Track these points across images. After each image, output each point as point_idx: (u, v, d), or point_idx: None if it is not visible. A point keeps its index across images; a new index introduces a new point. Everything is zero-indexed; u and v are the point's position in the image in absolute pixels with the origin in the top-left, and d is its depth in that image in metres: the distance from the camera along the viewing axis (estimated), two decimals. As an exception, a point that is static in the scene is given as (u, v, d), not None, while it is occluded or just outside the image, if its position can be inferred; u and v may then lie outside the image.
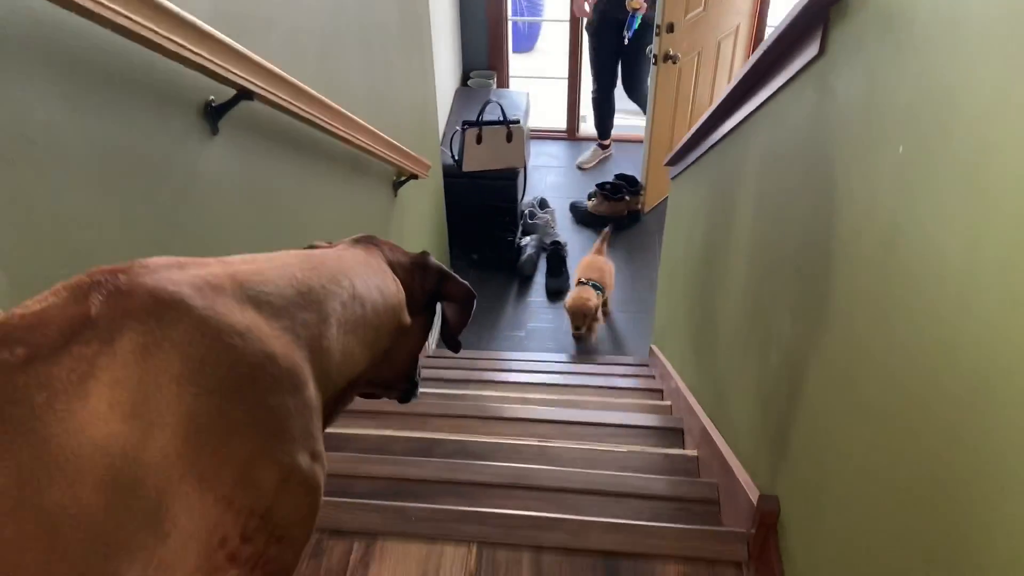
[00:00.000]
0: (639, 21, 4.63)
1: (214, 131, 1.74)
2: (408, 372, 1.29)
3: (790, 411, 1.35)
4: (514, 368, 3.78)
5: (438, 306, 1.35)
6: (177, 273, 0.85)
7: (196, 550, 0.82)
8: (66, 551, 0.74)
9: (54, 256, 1.32)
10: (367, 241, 1.20)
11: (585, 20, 4.95)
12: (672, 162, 3.30)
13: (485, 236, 4.74)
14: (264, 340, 0.87)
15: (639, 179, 5.06)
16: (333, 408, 1.06)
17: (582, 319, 4.03)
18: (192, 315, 0.81)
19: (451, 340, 1.38)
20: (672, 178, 3.45)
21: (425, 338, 1.29)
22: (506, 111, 4.52)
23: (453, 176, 4.48)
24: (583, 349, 4.26)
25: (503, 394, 3.04)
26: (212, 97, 1.70)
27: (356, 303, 1.05)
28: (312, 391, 0.92)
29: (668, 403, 2.81)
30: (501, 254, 4.73)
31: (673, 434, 2.43)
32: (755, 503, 1.43)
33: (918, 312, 0.89)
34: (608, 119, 5.33)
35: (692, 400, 2.37)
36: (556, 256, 4.71)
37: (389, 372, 1.23)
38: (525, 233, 4.92)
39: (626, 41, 4.70)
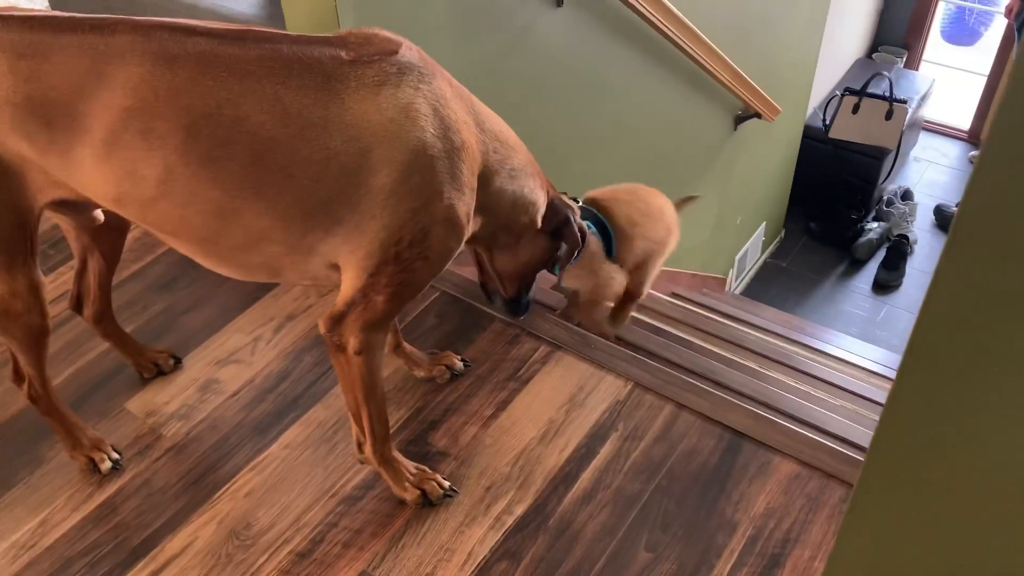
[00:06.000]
0: None
1: (558, 3, 2.09)
2: (521, 280, 1.57)
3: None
4: (804, 330, 3.77)
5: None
6: (446, 72, 1.26)
7: (384, 238, 1.20)
8: (328, 181, 1.17)
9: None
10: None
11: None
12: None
13: (829, 206, 4.66)
14: (472, 136, 1.25)
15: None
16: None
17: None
18: (447, 94, 1.22)
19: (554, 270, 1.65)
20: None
21: (544, 261, 1.55)
22: (899, 91, 4.35)
23: (814, 139, 4.45)
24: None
25: (768, 338, 3.12)
26: (563, -27, 2.04)
27: (521, 172, 1.37)
28: (474, 187, 1.27)
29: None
30: (840, 229, 4.62)
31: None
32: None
33: None
34: None
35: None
36: (898, 250, 4.49)
37: (509, 264, 1.52)
38: (876, 219, 4.73)
39: None
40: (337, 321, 1.28)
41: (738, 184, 3.80)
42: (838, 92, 4.43)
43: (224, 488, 1.55)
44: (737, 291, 4.31)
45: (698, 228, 3.61)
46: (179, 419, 1.67)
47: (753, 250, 4.33)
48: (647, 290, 1.96)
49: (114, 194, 1.19)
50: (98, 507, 1.53)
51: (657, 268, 1.95)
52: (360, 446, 1.46)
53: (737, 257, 4.14)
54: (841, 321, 4.29)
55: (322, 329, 1.31)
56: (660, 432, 1.64)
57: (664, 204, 1.93)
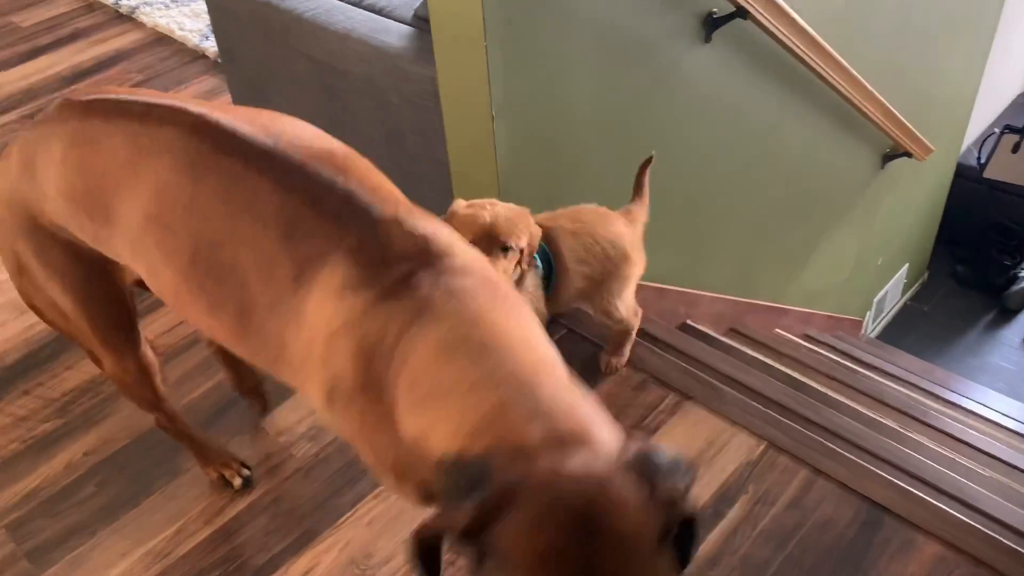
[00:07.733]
0: None
1: (707, 39, 2.03)
2: None
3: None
4: (947, 383, 3.54)
5: None
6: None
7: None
8: (295, 363, 1.00)
9: (549, 101, 1.76)
10: None
11: None
12: None
13: (979, 250, 4.37)
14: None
15: None
16: None
17: None
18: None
19: None
20: None
21: None
22: (1067, 129, 4.05)
23: (967, 178, 4.20)
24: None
25: (907, 392, 2.94)
26: (715, 9, 1.99)
27: (460, 264, 1.00)
28: None
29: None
30: (989, 275, 4.33)
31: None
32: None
33: None
34: None
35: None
36: (1055, 301, 4.17)
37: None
38: (1032, 266, 4.41)
39: None
40: None
41: (882, 224, 3.61)
42: (996, 129, 4.15)
43: (348, 514, 1.57)
44: (873, 334, 4.10)
45: (835, 269, 3.45)
46: (309, 440, 1.71)
47: (893, 292, 4.11)
48: (624, 315, 1.70)
49: (149, 286, 1.15)
50: (229, 521, 1.58)
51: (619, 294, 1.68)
52: None
53: (875, 299, 3.94)
54: (987, 375, 4.01)
55: None
56: (793, 499, 1.56)
57: (618, 233, 1.63)
